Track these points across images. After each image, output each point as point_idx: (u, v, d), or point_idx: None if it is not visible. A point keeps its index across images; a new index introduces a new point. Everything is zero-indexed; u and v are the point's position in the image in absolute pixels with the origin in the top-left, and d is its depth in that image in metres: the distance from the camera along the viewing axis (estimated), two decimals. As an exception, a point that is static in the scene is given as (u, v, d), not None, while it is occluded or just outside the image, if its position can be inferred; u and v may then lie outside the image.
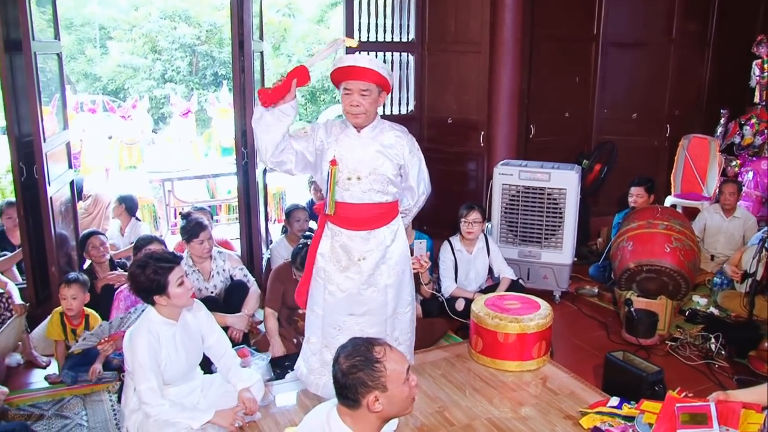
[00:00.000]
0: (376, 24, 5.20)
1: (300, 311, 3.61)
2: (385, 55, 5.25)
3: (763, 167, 5.68)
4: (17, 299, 3.56)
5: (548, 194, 4.44)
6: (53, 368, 3.56)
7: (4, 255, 4.33)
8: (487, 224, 4.47)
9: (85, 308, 3.59)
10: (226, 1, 6.01)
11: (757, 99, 5.97)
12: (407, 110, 5.49)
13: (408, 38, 5.35)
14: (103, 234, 4.34)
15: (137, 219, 5.20)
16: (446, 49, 5.23)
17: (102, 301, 3.81)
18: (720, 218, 5.01)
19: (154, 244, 3.85)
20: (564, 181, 4.39)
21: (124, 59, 14.98)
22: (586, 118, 5.85)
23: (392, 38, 5.30)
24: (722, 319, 4.06)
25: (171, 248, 4.36)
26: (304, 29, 16.20)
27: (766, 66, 5.89)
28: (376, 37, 5.23)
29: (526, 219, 4.53)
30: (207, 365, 2.87)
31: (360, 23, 5.12)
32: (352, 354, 1.84)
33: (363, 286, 2.85)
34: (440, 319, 4.02)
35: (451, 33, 5.19)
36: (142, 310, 2.68)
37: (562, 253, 4.47)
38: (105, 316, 3.63)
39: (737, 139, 5.95)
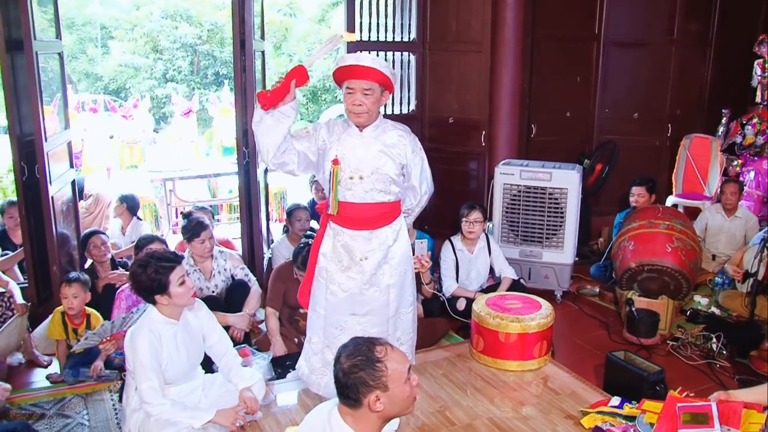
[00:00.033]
0: (378, 23, 5.20)
1: (301, 310, 3.62)
2: (386, 55, 5.26)
3: (765, 167, 5.68)
4: (19, 298, 3.57)
5: (549, 194, 4.44)
6: (54, 367, 3.56)
7: (6, 254, 4.34)
8: (488, 224, 4.47)
9: (87, 308, 3.59)
10: (228, 1, 6.01)
11: (758, 98, 5.96)
12: (408, 110, 5.49)
13: (409, 38, 5.35)
14: (105, 233, 4.34)
15: (138, 218, 5.21)
16: (447, 48, 5.23)
17: (103, 300, 3.82)
18: (721, 218, 5.00)
19: (156, 243, 3.85)
20: (565, 180, 4.39)
21: (125, 59, 15.01)
22: (587, 117, 5.84)
23: (393, 38, 5.30)
24: (723, 319, 4.06)
25: (172, 248, 4.36)
26: (306, 29, 16.23)
27: (767, 65, 5.88)
28: (378, 37, 5.23)
29: (528, 218, 4.53)
30: (208, 364, 2.87)
31: (361, 23, 5.12)
32: (353, 353, 1.85)
33: (365, 285, 2.85)
34: (441, 318, 4.02)
35: (452, 32, 5.18)
36: (144, 310, 2.68)
37: (563, 253, 4.47)
38: (106, 315, 3.63)
39: (739, 139, 5.94)
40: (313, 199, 5.59)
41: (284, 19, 16.02)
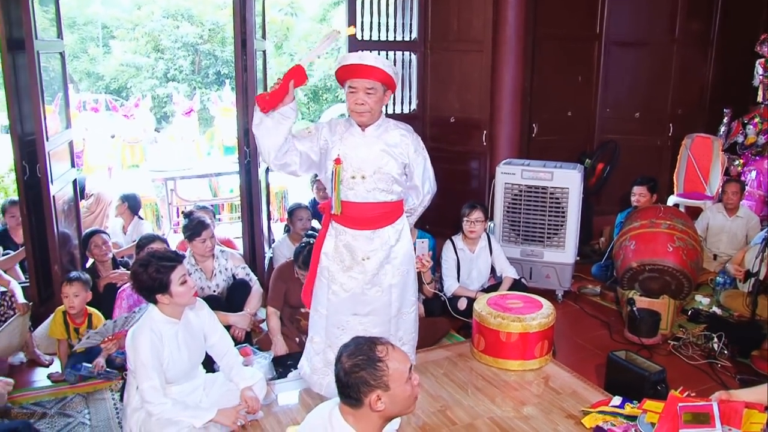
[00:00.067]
0: (379, 23, 5.20)
1: (302, 310, 3.62)
2: (387, 54, 5.24)
3: (766, 166, 5.67)
4: (20, 298, 3.57)
5: (551, 193, 4.43)
6: (56, 367, 3.57)
7: (7, 253, 4.35)
8: (489, 223, 4.47)
9: (88, 307, 3.59)
10: (229, 0, 6.01)
11: (760, 98, 5.96)
12: (410, 109, 5.48)
13: (410, 37, 5.34)
14: (106, 233, 4.35)
15: (140, 218, 5.21)
16: (449, 47, 5.23)
17: (104, 299, 3.82)
18: (723, 217, 5.00)
19: (157, 242, 3.85)
20: (566, 180, 4.39)
21: (126, 58, 15.02)
22: (588, 117, 5.84)
23: (395, 37, 5.30)
24: (725, 319, 4.05)
25: (173, 247, 4.36)
26: (307, 28, 16.24)
27: (768, 65, 5.88)
28: (379, 36, 5.23)
29: (529, 218, 4.52)
30: (209, 364, 2.87)
31: (362, 22, 5.11)
32: (354, 353, 1.85)
33: (367, 285, 2.85)
34: (442, 318, 4.02)
35: (453, 32, 5.18)
36: (146, 310, 2.68)
37: (564, 253, 4.47)
38: (107, 314, 3.64)
39: (740, 139, 5.94)
40: (314, 198, 5.59)
41: (285, 19, 16.03)
